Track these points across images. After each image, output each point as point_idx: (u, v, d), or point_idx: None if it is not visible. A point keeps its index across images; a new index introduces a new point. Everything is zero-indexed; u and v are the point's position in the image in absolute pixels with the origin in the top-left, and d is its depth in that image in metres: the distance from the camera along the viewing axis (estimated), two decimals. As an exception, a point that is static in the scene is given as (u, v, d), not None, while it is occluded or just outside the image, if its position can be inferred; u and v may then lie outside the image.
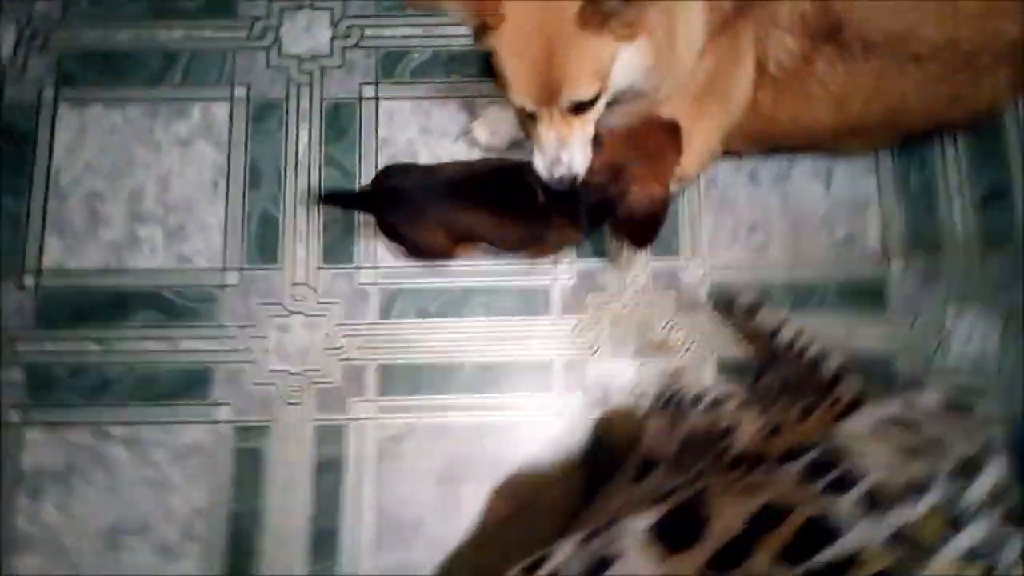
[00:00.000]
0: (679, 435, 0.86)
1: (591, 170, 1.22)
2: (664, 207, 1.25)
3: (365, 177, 1.57)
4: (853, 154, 1.54)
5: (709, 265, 1.56)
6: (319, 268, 1.54)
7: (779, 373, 0.88)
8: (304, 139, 1.59)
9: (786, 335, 0.89)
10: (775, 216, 1.57)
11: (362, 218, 1.55)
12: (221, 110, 1.61)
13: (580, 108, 1.15)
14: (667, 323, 1.53)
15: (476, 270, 1.53)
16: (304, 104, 1.61)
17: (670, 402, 0.93)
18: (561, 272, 1.54)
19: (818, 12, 1.20)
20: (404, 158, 1.59)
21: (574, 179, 1.19)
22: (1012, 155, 1.59)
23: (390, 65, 1.64)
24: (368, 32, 1.65)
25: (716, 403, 0.85)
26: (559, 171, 1.17)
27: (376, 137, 1.60)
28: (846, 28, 1.20)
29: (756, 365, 1.07)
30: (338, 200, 1.46)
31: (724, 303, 0.98)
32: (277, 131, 1.60)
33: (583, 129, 1.18)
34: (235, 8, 1.66)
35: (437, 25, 1.65)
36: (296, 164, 1.58)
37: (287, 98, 1.61)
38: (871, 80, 1.23)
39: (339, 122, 1.60)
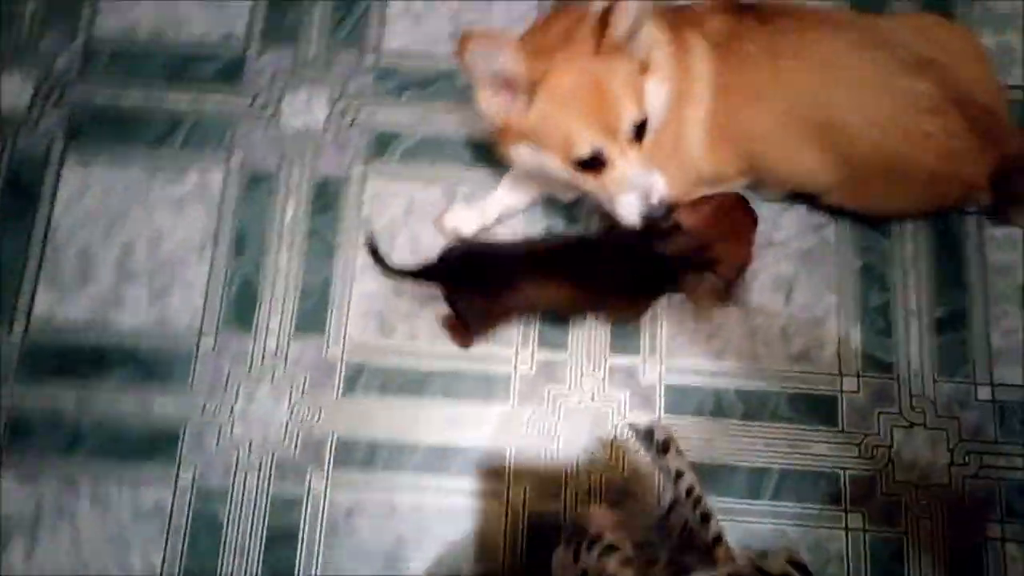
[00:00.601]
0: (575, 573, 0.91)
1: (676, 242, 1.33)
2: (747, 266, 1.44)
3: (344, 251, 1.64)
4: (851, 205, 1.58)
5: (666, 367, 1.60)
6: (290, 338, 1.60)
7: (681, 515, 0.93)
8: (291, 211, 1.67)
9: (687, 481, 0.94)
10: (734, 324, 1.61)
11: (336, 292, 1.61)
12: (216, 176, 1.69)
13: (637, 134, 1.22)
14: (619, 423, 1.56)
15: (440, 352, 1.59)
16: (295, 177, 1.69)
17: (572, 538, 0.98)
18: (522, 362, 1.59)
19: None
20: (384, 237, 1.66)
21: (668, 205, 1.26)
22: (973, 280, 1.63)
23: (381, 146, 1.72)
24: (363, 112, 1.74)
25: (606, 551, 0.90)
26: (654, 196, 1.23)
27: (359, 214, 1.67)
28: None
29: (668, 501, 1.13)
30: (412, 274, 1.46)
31: (644, 433, 1.06)
32: (266, 201, 1.68)
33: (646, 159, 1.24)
34: (243, 77, 1.75)
35: (430, 112, 1.73)
36: (280, 234, 1.65)
37: (279, 169, 1.69)
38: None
39: (326, 197, 1.68)
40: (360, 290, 1.64)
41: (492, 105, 1.21)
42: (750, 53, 1.33)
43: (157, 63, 1.76)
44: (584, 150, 1.18)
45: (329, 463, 1.54)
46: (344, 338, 1.61)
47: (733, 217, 1.38)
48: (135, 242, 1.66)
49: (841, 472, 1.55)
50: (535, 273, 1.37)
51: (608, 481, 1.53)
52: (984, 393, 1.58)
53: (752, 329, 1.61)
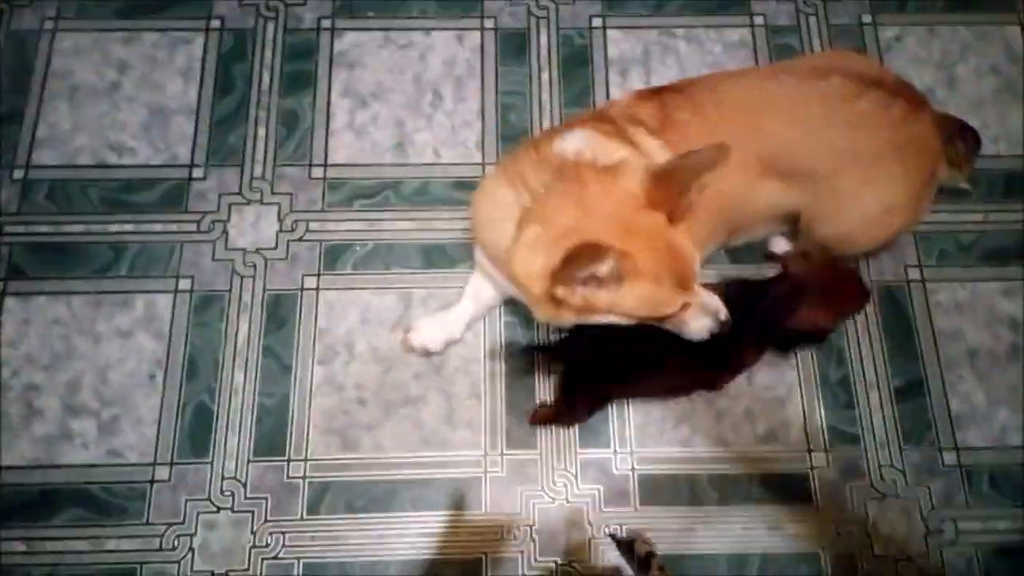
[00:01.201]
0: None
1: (775, 284, 1.43)
2: (824, 337, 1.49)
3: (299, 369, 1.61)
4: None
5: (637, 457, 1.58)
6: (250, 461, 1.55)
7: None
8: (244, 330, 1.64)
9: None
10: (700, 409, 1.61)
11: (295, 409, 1.57)
12: (164, 302, 1.66)
13: None
14: (594, 520, 1.53)
15: (406, 462, 1.55)
16: (246, 296, 1.67)
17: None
18: (491, 464, 1.56)
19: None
20: (342, 348, 1.64)
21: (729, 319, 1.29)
22: (925, 348, 1.66)
23: (332, 257, 1.71)
24: (313, 226, 1.73)
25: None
26: (722, 314, 1.28)
27: (315, 327, 1.65)
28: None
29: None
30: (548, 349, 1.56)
31: (624, 545, 1.05)
32: (218, 322, 1.65)
33: None
34: (186, 203, 1.74)
35: (380, 220, 1.73)
36: (235, 355, 1.62)
37: (230, 289, 1.67)
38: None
39: (279, 313, 1.66)
40: (319, 406, 1.60)
41: (566, 297, 1.20)
42: (684, 121, 1.38)
43: (98, 192, 1.74)
44: (674, 309, 1.22)
45: (297, 592, 1.46)
46: (306, 457, 1.56)
47: (838, 279, 1.46)
48: (81, 376, 1.61)
49: (821, 551, 1.53)
50: (658, 363, 1.43)
51: (589, 583, 1.48)
52: (950, 459, 1.60)
53: (718, 413, 1.62)
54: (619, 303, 1.20)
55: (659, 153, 1.32)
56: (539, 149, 1.28)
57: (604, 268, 1.12)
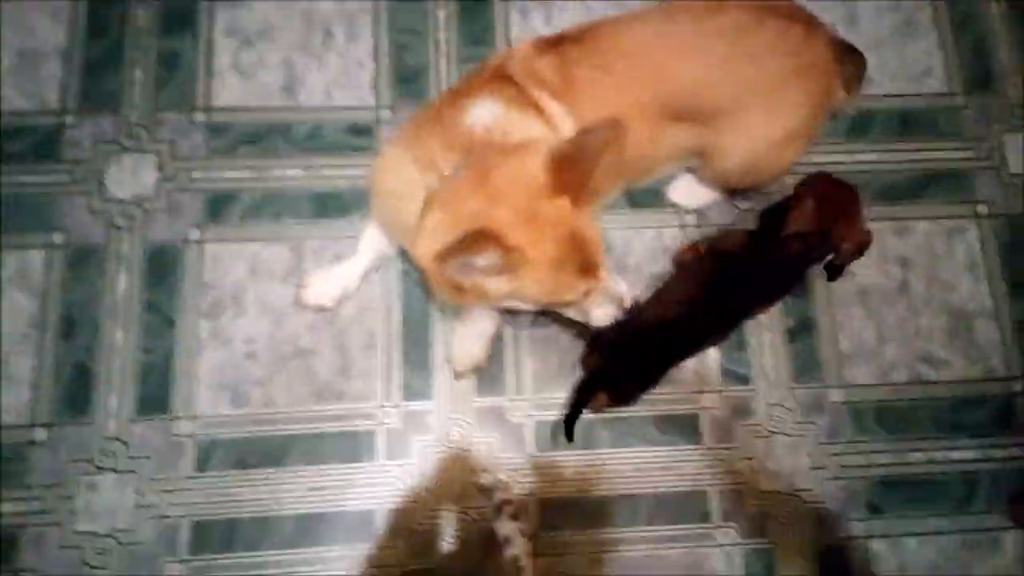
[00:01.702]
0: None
1: (801, 233, 1.46)
2: (868, 243, 1.53)
3: (184, 324, 1.55)
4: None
5: (533, 403, 1.58)
6: (132, 421, 1.50)
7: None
8: (123, 285, 1.58)
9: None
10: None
11: (180, 365, 1.52)
12: (37, 257, 1.58)
13: None
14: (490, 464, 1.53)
15: (299, 416, 1.52)
16: (126, 249, 1.60)
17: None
18: (387, 416, 1.54)
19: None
20: (229, 302, 1.58)
21: (633, 303, 1.28)
22: (817, 288, 1.68)
23: (217, 207, 1.64)
24: (195, 175, 1.66)
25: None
26: (626, 301, 1.26)
27: (201, 280, 1.59)
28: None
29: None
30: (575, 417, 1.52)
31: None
32: (96, 278, 1.58)
33: None
34: (59, 151, 1.64)
35: (267, 167, 1.66)
36: (113, 312, 1.55)
37: (108, 243, 1.60)
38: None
39: (162, 267, 1.60)
40: (207, 361, 1.55)
41: (461, 282, 1.14)
42: (587, 78, 1.34)
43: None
44: (576, 296, 1.19)
45: (185, 549, 1.44)
46: (193, 415, 1.52)
47: (836, 200, 1.50)
48: (-50, 337, 1.52)
49: (709, 489, 1.56)
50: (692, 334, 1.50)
51: (483, 530, 1.49)
52: (837, 396, 1.63)
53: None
54: (517, 291, 1.16)
55: (564, 121, 1.30)
56: (444, 122, 1.23)
57: (489, 259, 1.07)
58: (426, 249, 1.14)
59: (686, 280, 1.53)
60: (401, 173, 1.26)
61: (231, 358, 1.56)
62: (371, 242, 1.56)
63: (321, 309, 1.59)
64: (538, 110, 1.28)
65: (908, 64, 1.84)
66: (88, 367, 1.52)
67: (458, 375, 1.59)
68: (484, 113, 1.22)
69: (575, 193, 1.12)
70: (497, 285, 1.14)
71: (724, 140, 1.46)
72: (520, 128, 1.23)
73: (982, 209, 1.75)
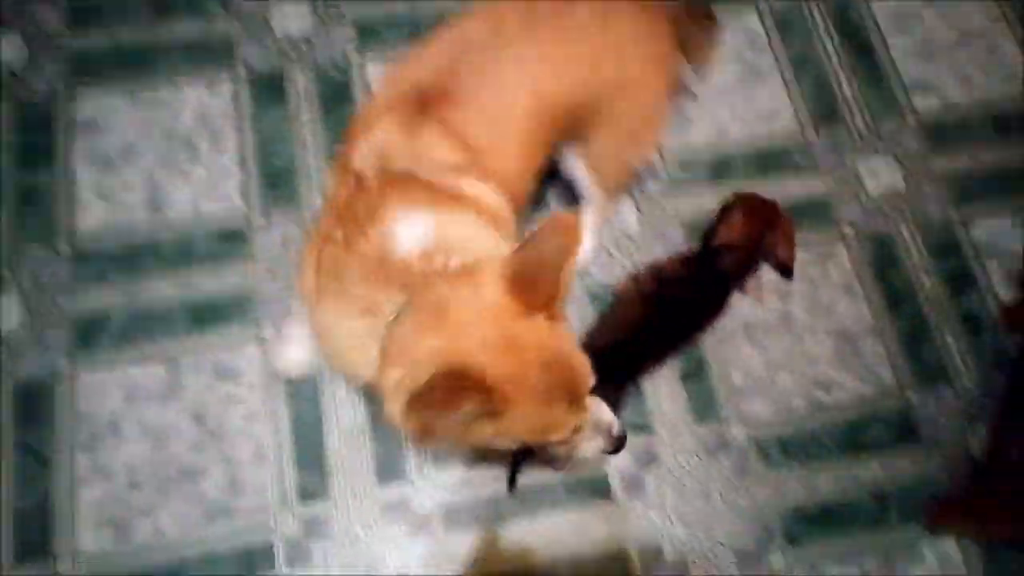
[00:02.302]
0: None
1: (731, 245, 1.59)
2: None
3: (61, 461, 1.48)
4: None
5: (436, 486, 1.54)
6: (12, 569, 1.40)
7: None
8: (-9, 429, 1.49)
9: None
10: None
11: (59, 505, 1.44)
12: None
13: None
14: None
15: (190, 541, 1.47)
16: (-9, 391, 1.52)
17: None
18: (283, 525, 1.48)
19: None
20: (107, 431, 1.52)
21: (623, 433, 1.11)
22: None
23: (87, 335, 1.60)
24: (63, 304, 1.61)
25: None
26: (615, 429, 1.09)
27: (75, 414, 1.53)
28: None
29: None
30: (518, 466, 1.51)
31: None
32: (-40, 426, 1.49)
33: None
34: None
35: (137, 288, 1.63)
36: (-17, 458, 1.47)
37: (-28, 387, 1.52)
38: None
39: (32, 403, 1.55)
40: (87, 497, 1.48)
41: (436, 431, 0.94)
42: (478, 135, 1.16)
43: None
44: (564, 435, 1.01)
45: None
46: (75, 555, 1.43)
47: (761, 211, 1.64)
48: None
49: (627, 545, 1.53)
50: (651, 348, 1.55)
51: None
52: (739, 432, 1.64)
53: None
54: (502, 433, 0.96)
55: (492, 197, 1.15)
56: (369, 262, 1.03)
57: (469, 406, 0.88)
58: (394, 407, 0.96)
59: (628, 304, 1.59)
60: (344, 329, 1.08)
61: (113, 490, 1.50)
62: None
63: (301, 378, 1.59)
64: (462, 201, 1.10)
65: (757, 108, 1.93)
66: (-46, 524, 1.42)
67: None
68: (412, 234, 1.03)
69: (545, 310, 0.95)
70: (479, 430, 0.94)
71: (599, 136, 1.39)
72: (459, 236, 1.05)
73: (848, 231, 1.82)
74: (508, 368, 0.91)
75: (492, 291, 0.95)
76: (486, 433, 0.95)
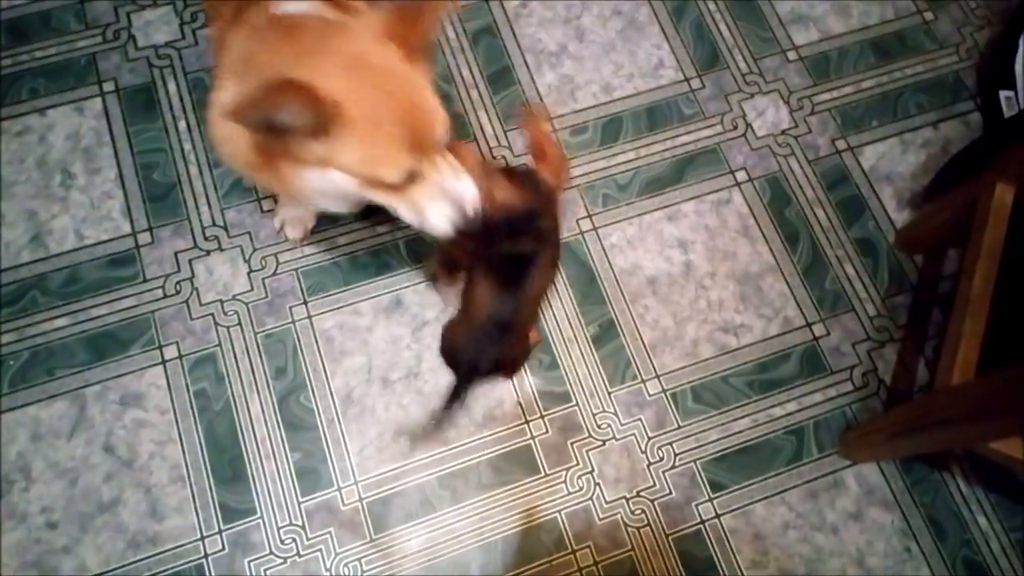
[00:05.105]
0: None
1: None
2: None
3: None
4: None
5: (362, 486, 1.54)
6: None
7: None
8: None
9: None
10: (414, 414, 1.58)
11: None
12: None
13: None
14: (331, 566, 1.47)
15: (116, 574, 1.41)
16: None
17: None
18: (211, 545, 1.46)
19: None
20: (17, 475, 1.49)
21: (479, 209, 1.09)
22: (609, 290, 1.70)
23: (-16, 381, 1.54)
24: (-47, 353, 1.55)
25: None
26: (468, 206, 1.07)
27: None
28: None
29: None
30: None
31: None
32: None
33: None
34: None
35: (29, 326, 1.59)
36: None
37: None
38: None
39: (-68, 460, 1.47)
40: (6, 544, 1.46)
41: (267, 147, 0.98)
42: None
43: None
44: (395, 176, 1.01)
45: None
46: (-3, 607, 1.40)
47: (526, 181, 1.35)
48: None
49: (558, 515, 1.54)
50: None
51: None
52: (654, 387, 1.65)
53: (432, 412, 1.58)
54: (331, 159, 0.98)
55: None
56: (249, 30, 1.05)
57: (295, 113, 0.90)
58: (221, 127, 0.98)
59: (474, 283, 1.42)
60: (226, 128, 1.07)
61: (31, 533, 1.47)
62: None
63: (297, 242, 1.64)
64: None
65: (640, 62, 1.93)
66: None
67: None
68: (296, 7, 1.05)
69: (409, 48, 0.97)
70: (309, 151, 0.96)
71: None
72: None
73: (741, 176, 1.84)
74: (346, 85, 0.93)
75: (355, 33, 0.97)
76: (316, 156, 0.97)
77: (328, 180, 1.04)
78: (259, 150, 1.01)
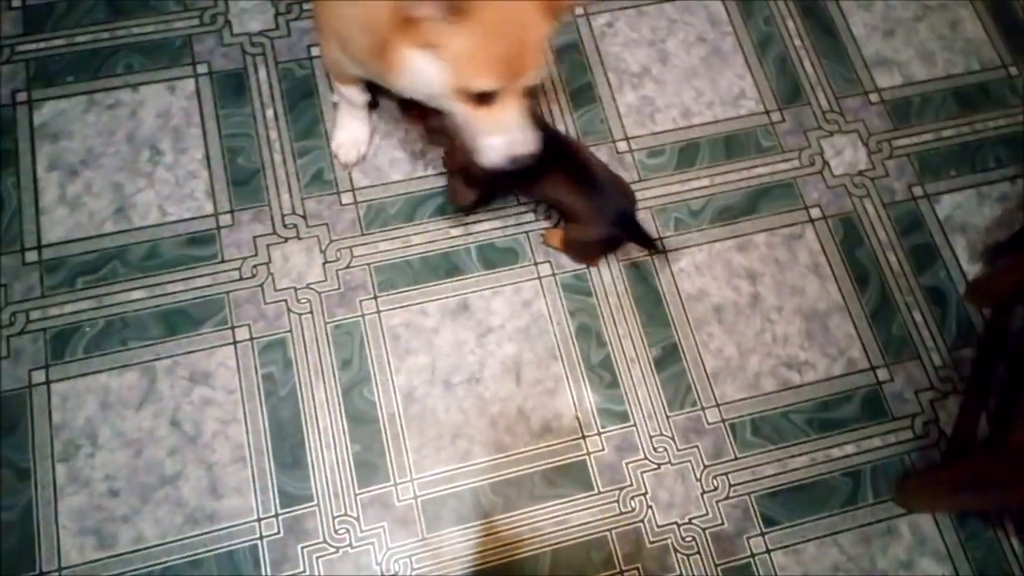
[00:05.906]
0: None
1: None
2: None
3: (39, 473, 1.47)
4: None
5: (418, 484, 1.55)
6: (-10, 589, 1.40)
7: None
8: (-34, 445, 1.48)
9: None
10: (473, 418, 1.60)
11: (40, 517, 1.44)
12: None
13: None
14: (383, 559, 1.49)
15: (172, 547, 1.49)
16: (-36, 406, 1.51)
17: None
18: (266, 528, 1.49)
19: None
20: (84, 440, 1.52)
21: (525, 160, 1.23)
22: (674, 313, 1.71)
23: (60, 345, 1.58)
24: (33, 315, 1.60)
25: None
26: (518, 148, 1.21)
27: (50, 424, 1.52)
28: None
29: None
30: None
31: None
32: (-67, 442, 1.48)
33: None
34: None
35: (108, 295, 1.62)
36: (-42, 474, 1.46)
37: (-57, 403, 1.51)
38: None
39: (7, 416, 1.52)
40: (67, 507, 1.48)
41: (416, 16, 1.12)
42: None
43: None
44: (480, 86, 1.15)
45: None
46: (59, 567, 1.43)
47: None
48: None
49: (608, 533, 1.55)
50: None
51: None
52: (713, 416, 1.65)
53: (492, 419, 1.61)
54: (449, 43, 1.11)
55: None
56: None
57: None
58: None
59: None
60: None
61: (92, 499, 1.50)
62: (347, 94, 1.61)
63: (361, 159, 1.74)
64: None
65: (722, 90, 1.94)
66: (-68, 541, 1.42)
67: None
68: None
69: (549, 5, 1.15)
70: (435, 32, 1.10)
71: None
72: None
73: (815, 212, 1.84)
74: (487, 14, 1.08)
75: None
76: (438, 36, 1.10)
77: (425, 71, 1.17)
78: (394, 23, 1.12)
